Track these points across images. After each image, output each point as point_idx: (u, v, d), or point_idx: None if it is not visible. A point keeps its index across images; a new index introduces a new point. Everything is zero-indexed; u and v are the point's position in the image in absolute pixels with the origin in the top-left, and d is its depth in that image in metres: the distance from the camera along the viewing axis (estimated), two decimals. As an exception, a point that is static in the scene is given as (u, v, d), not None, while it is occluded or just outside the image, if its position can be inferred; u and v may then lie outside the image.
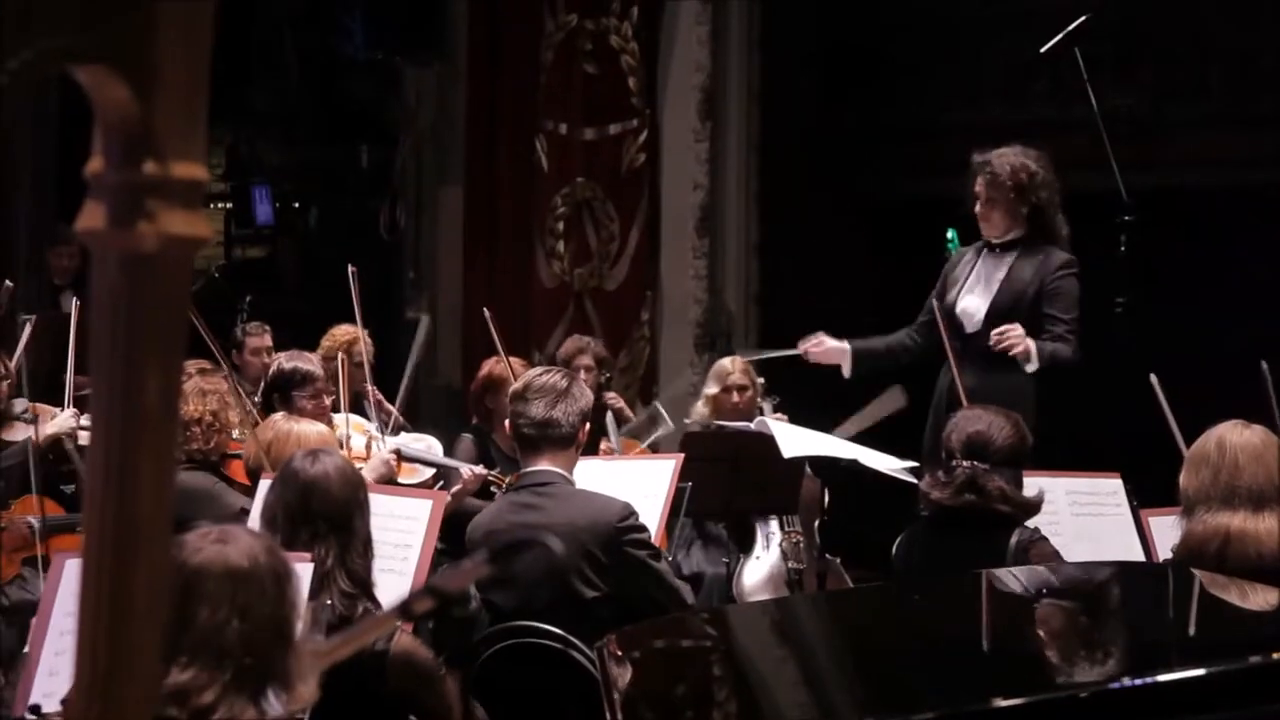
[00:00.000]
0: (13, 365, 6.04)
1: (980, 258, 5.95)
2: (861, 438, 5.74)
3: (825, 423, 6.20)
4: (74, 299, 6.33)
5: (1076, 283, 5.77)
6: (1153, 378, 4.99)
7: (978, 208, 5.89)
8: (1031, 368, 5.61)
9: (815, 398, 6.48)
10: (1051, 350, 5.65)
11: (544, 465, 4.53)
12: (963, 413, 4.49)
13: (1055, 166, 5.99)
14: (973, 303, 5.88)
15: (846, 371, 6.13)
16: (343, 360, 6.23)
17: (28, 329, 6.32)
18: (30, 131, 8.67)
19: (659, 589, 4.43)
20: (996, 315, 5.77)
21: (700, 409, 6.82)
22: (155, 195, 1.15)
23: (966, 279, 5.93)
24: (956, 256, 6.07)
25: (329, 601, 3.41)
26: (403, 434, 5.92)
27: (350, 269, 6.11)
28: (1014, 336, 5.62)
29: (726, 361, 6.98)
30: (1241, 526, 3.75)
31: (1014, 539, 4.18)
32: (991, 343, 5.65)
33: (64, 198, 8.79)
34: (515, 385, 4.77)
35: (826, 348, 6.10)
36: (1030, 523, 4.31)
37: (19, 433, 5.83)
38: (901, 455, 5.52)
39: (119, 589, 1.18)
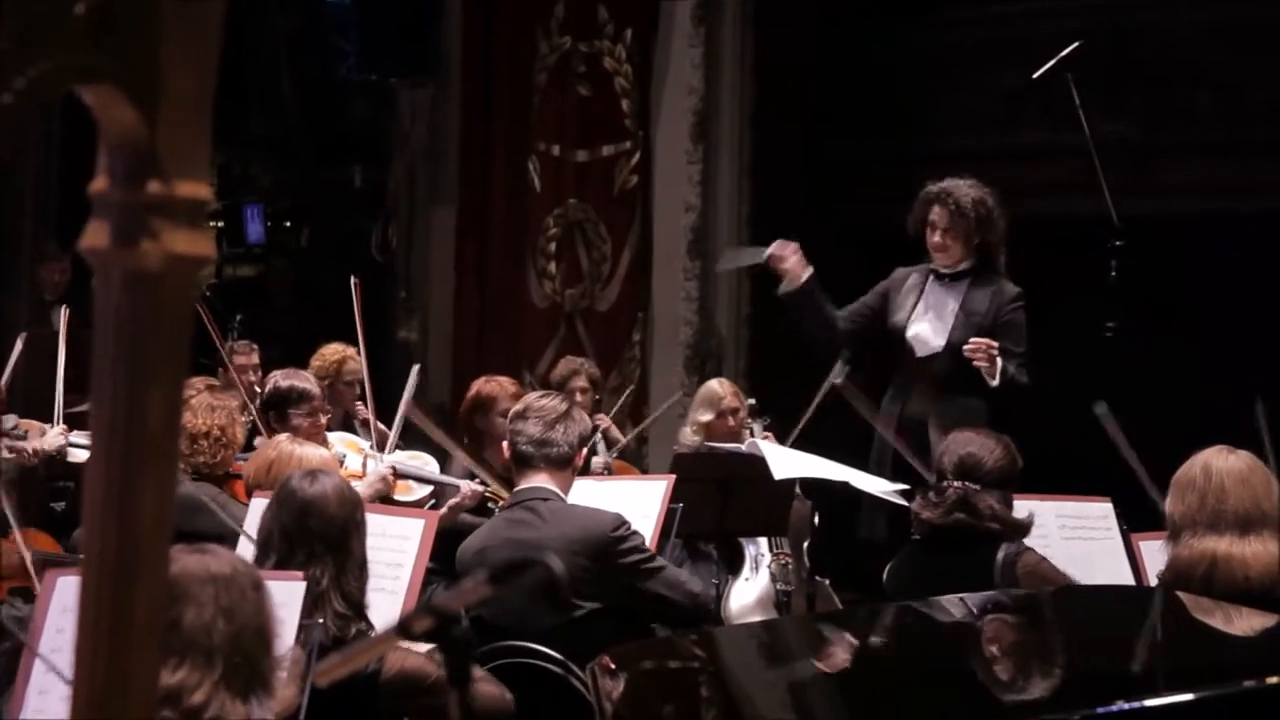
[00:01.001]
0: (3, 382, 6.04)
1: (927, 284, 6.00)
2: (849, 457, 5.75)
3: (809, 442, 6.23)
4: (64, 309, 6.31)
5: (1024, 315, 5.87)
6: (1099, 408, 4.93)
7: (936, 236, 5.91)
8: (994, 383, 5.68)
9: (795, 415, 6.49)
10: (1013, 374, 5.73)
11: (539, 482, 4.54)
12: (954, 435, 4.54)
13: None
14: (925, 330, 5.94)
15: (783, 290, 6.09)
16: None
17: (19, 345, 6.32)
18: (33, 150, 8.68)
19: (666, 588, 4.44)
20: (956, 345, 5.82)
21: (690, 435, 6.80)
22: (159, 214, 1.16)
23: (915, 305, 5.99)
24: (900, 277, 6.09)
25: (321, 620, 3.41)
26: (399, 452, 5.91)
27: (353, 280, 6.10)
28: (989, 352, 5.67)
29: (716, 385, 6.96)
30: (1228, 551, 3.77)
31: (1000, 554, 4.22)
32: (967, 350, 5.69)
33: (62, 215, 8.81)
34: (516, 406, 4.79)
35: (793, 262, 6.04)
36: (1017, 542, 4.34)
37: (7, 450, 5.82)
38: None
39: (118, 606, 1.18)
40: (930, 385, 5.85)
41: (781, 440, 6.24)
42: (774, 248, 6.11)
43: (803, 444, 6.05)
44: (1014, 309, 5.86)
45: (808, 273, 6.05)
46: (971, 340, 5.72)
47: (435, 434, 5.80)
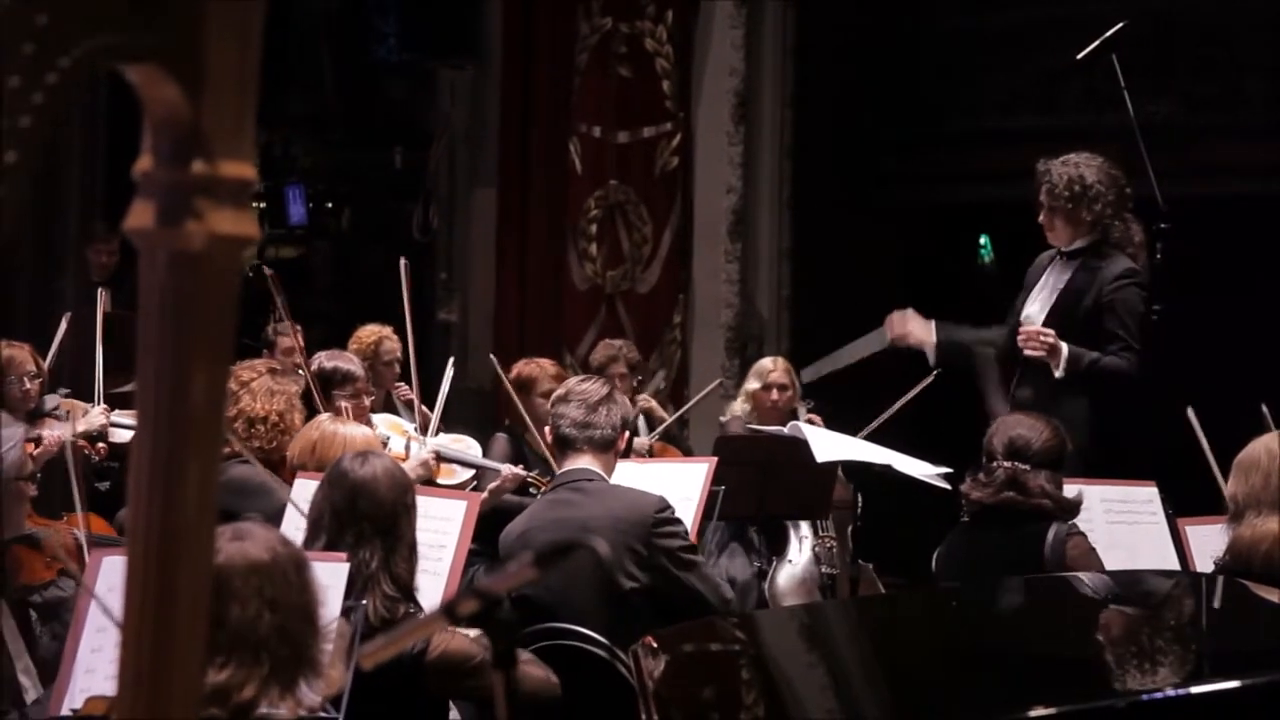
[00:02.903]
0: (47, 363, 6.06)
1: (1052, 265, 5.74)
2: (897, 442, 5.72)
3: (860, 422, 6.19)
4: (102, 292, 6.32)
5: (1137, 291, 5.56)
6: (1190, 412, 4.89)
7: (1041, 217, 5.66)
8: (1058, 374, 5.43)
9: (850, 398, 6.47)
10: (1095, 359, 5.44)
11: (583, 464, 4.54)
12: (1004, 418, 4.55)
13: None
14: (1034, 311, 5.68)
15: (931, 360, 5.89)
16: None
17: (63, 325, 6.35)
18: (80, 130, 8.71)
19: (699, 581, 4.44)
20: (1051, 325, 5.56)
21: (740, 405, 6.85)
22: (204, 194, 1.15)
23: (1034, 286, 5.74)
24: (1036, 262, 5.83)
25: (364, 601, 3.41)
26: (441, 435, 5.92)
27: (403, 263, 6.12)
28: (1040, 340, 5.44)
29: (768, 360, 7.01)
30: (1293, 530, 3.75)
31: (1050, 534, 4.24)
32: (1019, 340, 5.50)
33: (110, 196, 8.84)
34: (558, 390, 4.79)
35: (915, 331, 5.82)
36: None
37: (51, 429, 5.84)
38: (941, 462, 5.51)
39: (164, 587, 1.18)
40: (1032, 371, 5.57)
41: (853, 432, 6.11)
42: (891, 327, 5.86)
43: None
44: (1117, 287, 5.54)
45: (931, 339, 5.81)
46: (1021, 329, 5.53)
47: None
